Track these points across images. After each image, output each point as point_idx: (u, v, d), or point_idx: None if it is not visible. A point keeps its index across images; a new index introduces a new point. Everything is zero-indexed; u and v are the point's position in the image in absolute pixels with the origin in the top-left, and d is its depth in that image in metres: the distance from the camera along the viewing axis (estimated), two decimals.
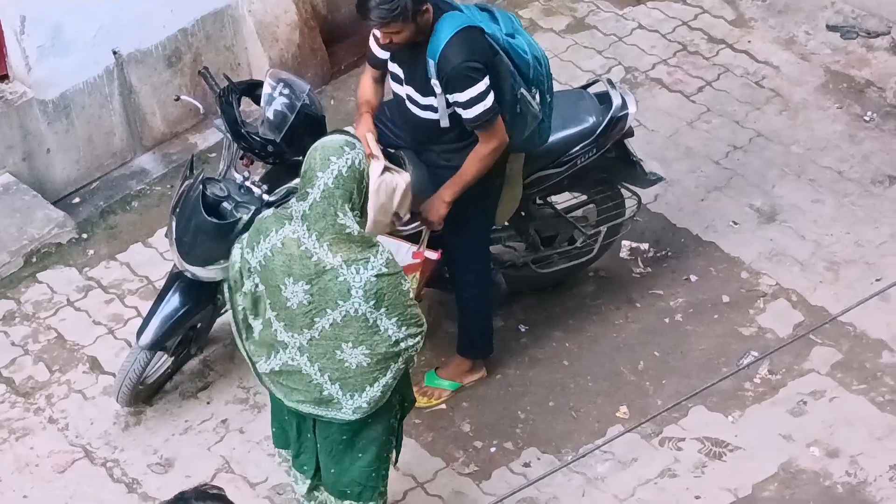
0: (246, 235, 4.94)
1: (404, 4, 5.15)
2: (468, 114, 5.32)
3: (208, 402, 6.17)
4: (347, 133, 4.79)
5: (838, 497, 5.69)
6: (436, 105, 5.40)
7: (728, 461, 5.83)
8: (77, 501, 5.86)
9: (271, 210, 4.92)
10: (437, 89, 5.33)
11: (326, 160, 4.58)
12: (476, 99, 5.28)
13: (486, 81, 5.27)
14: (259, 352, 4.93)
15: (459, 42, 5.24)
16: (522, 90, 5.49)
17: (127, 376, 5.92)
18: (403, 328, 4.75)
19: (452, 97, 5.31)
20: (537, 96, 5.57)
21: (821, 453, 5.84)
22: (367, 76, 5.66)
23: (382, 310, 4.69)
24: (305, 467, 5.12)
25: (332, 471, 5.06)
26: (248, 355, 5.00)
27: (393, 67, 5.51)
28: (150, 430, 6.09)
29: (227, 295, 5.05)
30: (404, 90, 5.48)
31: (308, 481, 5.16)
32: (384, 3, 5.15)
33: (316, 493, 5.25)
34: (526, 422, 6.03)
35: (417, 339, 4.81)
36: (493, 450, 5.93)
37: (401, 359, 4.82)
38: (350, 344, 4.73)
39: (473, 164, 5.47)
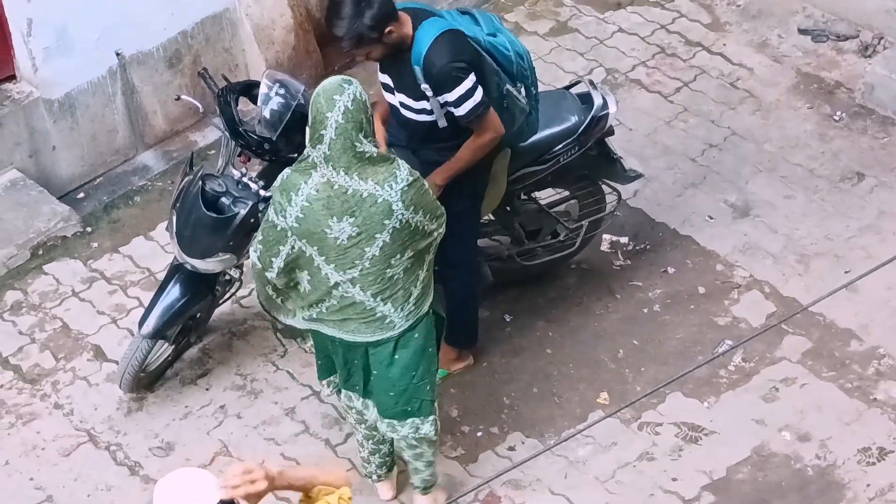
0: (257, 234, 5.12)
1: (360, 33, 5.26)
2: (460, 111, 5.40)
3: (207, 389, 6.23)
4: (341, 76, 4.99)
5: (808, 479, 5.75)
6: (429, 108, 5.46)
7: (703, 445, 5.88)
8: (81, 483, 5.91)
9: (287, 170, 5.03)
10: (429, 92, 5.40)
11: (331, 100, 4.82)
12: (465, 96, 5.36)
13: (472, 78, 5.35)
14: (308, 300, 5.14)
15: (441, 45, 5.32)
16: (508, 86, 5.56)
17: (129, 364, 5.98)
18: (434, 221, 5.06)
19: (443, 98, 5.39)
20: (522, 90, 5.63)
21: (792, 437, 5.90)
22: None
23: (419, 212, 4.98)
24: (357, 386, 5.36)
25: (391, 394, 5.27)
26: (293, 311, 5.22)
27: (383, 78, 5.58)
28: (152, 415, 6.14)
29: (256, 284, 5.23)
30: (396, 98, 5.55)
31: (361, 397, 5.40)
32: (344, 34, 5.28)
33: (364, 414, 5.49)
34: (511, 407, 6.10)
35: (442, 224, 5.13)
36: (479, 434, 6.00)
37: (432, 248, 5.13)
38: (398, 255, 5.00)
39: (469, 152, 5.54)
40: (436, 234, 5.13)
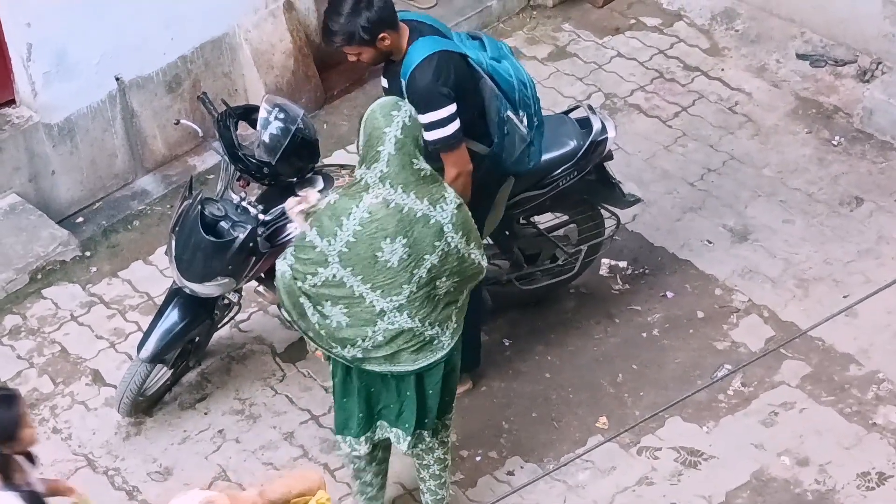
0: (290, 249, 5.07)
1: (353, 31, 5.31)
2: (428, 136, 5.33)
3: (206, 413, 6.23)
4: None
5: None
6: None
7: (703, 469, 5.88)
8: None
9: (334, 195, 4.99)
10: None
11: (389, 116, 4.83)
12: (436, 123, 5.35)
13: (449, 108, 5.34)
14: (346, 336, 5.04)
15: (427, 66, 5.33)
16: (509, 112, 5.56)
17: (128, 388, 5.97)
18: (479, 250, 5.05)
19: (420, 117, 5.36)
20: (524, 119, 5.63)
21: (791, 462, 5.90)
22: None
23: (464, 238, 4.97)
24: (407, 424, 5.25)
25: (434, 412, 5.24)
26: (324, 347, 5.13)
27: (383, 81, 5.61)
28: (150, 439, 6.14)
29: (284, 302, 5.12)
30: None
31: (409, 437, 5.27)
32: (338, 29, 5.34)
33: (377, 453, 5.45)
34: (510, 432, 6.09)
35: (484, 255, 5.11)
36: (478, 458, 6.00)
37: (477, 278, 5.11)
38: (443, 279, 4.98)
39: None
40: (478, 264, 5.09)
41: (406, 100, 5.33)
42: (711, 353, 6.35)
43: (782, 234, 6.85)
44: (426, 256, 4.93)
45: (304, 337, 5.25)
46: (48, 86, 6.83)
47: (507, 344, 6.47)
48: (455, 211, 4.95)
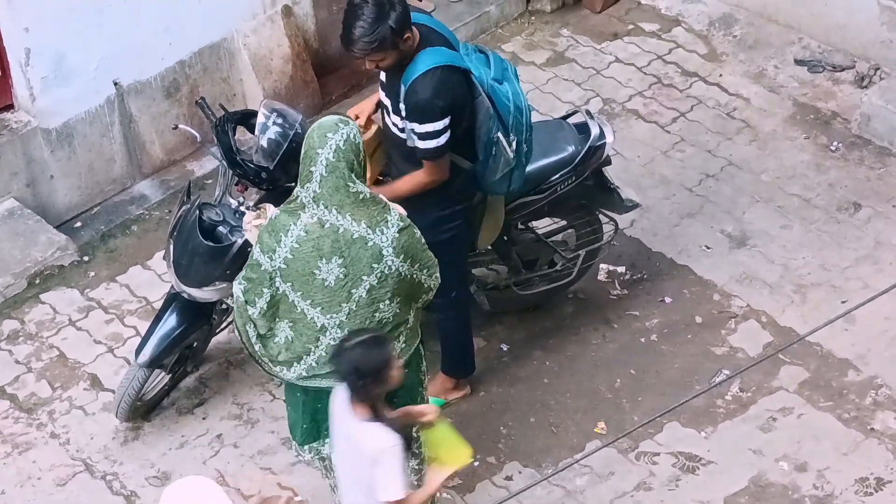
0: (242, 272, 5.09)
1: (384, 36, 5.27)
2: (420, 144, 5.42)
3: (204, 418, 6.23)
4: (339, 115, 5.00)
5: None
6: (400, 125, 5.52)
7: (701, 475, 5.89)
8: None
9: (275, 211, 5.02)
10: (402, 113, 5.45)
11: (324, 137, 4.82)
12: (430, 135, 5.39)
13: (444, 122, 5.37)
14: (294, 352, 5.06)
15: (430, 78, 5.33)
16: (499, 134, 5.56)
17: (126, 393, 5.99)
18: (426, 272, 5.03)
19: (411, 125, 5.42)
20: (514, 144, 5.62)
21: (789, 467, 5.91)
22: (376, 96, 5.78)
23: (408, 261, 4.94)
24: None
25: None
26: (271, 362, 5.13)
27: (382, 76, 5.61)
28: (148, 444, 6.14)
29: (237, 323, 5.16)
30: (386, 99, 5.60)
31: None
32: (365, 35, 5.28)
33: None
34: (508, 437, 6.09)
35: (434, 277, 5.07)
36: (476, 464, 5.97)
37: (422, 299, 5.10)
38: (387, 301, 4.96)
39: (407, 183, 5.56)
40: (427, 286, 5.09)
41: (402, 104, 5.37)
42: (709, 359, 6.36)
43: (780, 239, 6.86)
44: (364, 277, 4.93)
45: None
46: (46, 91, 6.84)
47: (504, 349, 6.47)
48: (396, 235, 4.93)
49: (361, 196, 4.90)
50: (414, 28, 5.40)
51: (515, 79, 5.68)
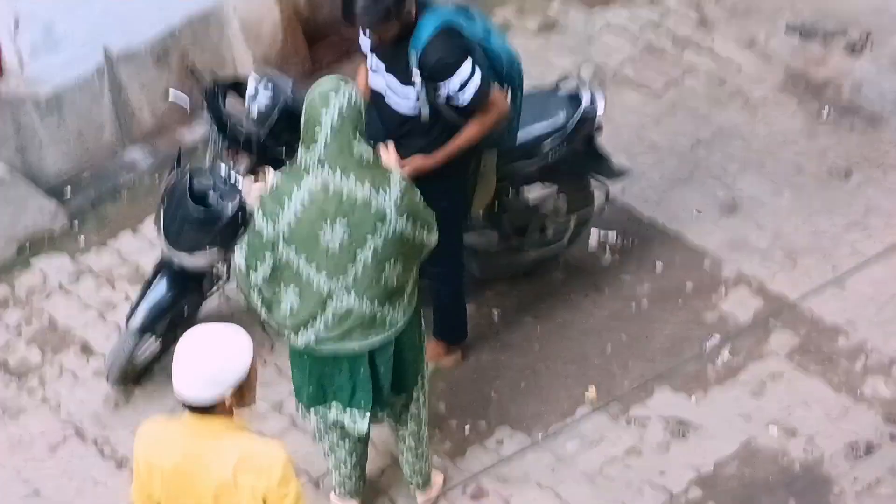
0: (242, 239, 5.09)
1: (387, 7, 5.25)
2: (464, 97, 5.40)
3: None
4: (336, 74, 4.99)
5: (796, 474, 5.78)
6: (413, 96, 5.47)
7: (691, 440, 5.90)
8: (68, 478, 5.93)
9: (278, 175, 5.01)
10: (417, 79, 5.40)
11: (326, 97, 4.79)
12: (466, 81, 5.38)
13: (468, 63, 5.36)
14: (299, 318, 5.06)
15: (441, 38, 5.34)
16: (495, 86, 5.56)
17: (117, 358, 6.01)
18: (426, 230, 5.04)
19: (444, 86, 5.39)
20: (508, 94, 5.64)
21: (779, 432, 5.92)
22: (362, 71, 5.75)
23: (410, 221, 4.95)
24: (363, 402, 5.23)
25: (395, 383, 5.24)
26: (279, 328, 5.15)
27: (372, 59, 5.58)
28: (139, 409, 6.12)
29: (242, 289, 5.17)
30: (384, 80, 5.54)
31: (367, 414, 5.26)
32: (369, 9, 5.26)
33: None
34: (498, 402, 6.10)
35: (434, 234, 5.09)
36: (466, 428, 6.01)
37: (423, 254, 5.11)
38: (391, 262, 4.97)
39: (474, 129, 5.53)
40: (426, 244, 5.11)
41: (416, 69, 5.35)
42: (700, 325, 6.36)
43: (771, 205, 6.86)
44: (368, 237, 4.92)
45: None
46: (35, 58, 6.84)
47: (495, 315, 6.48)
48: (399, 194, 4.94)
49: (365, 157, 4.89)
50: None
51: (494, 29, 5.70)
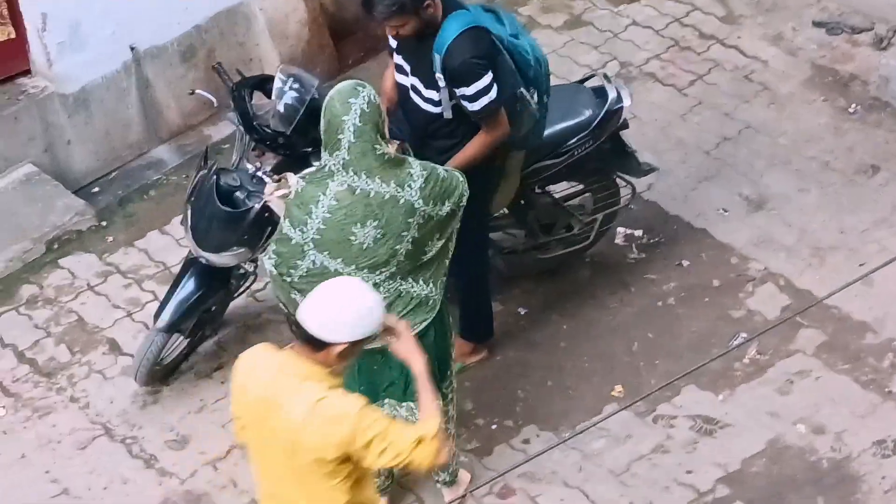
0: (271, 246, 5.09)
1: (399, 4, 5.26)
2: (474, 106, 5.42)
3: (222, 382, 6.21)
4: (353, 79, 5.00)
5: (823, 472, 5.77)
6: (437, 98, 5.48)
7: (718, 438, 5.89)
8: (97, 476, 5.95)
9: (302, 181, 5.03)
10: (441, 83, 5.42)
11: (347, 103, 4.81)
12: (481, 92, 5.39)
13: (489, 76, 5.37)
14: None
15: (465, 40, 5.33)
16: (522, 89, 5.57)
17: (145, 357, 6.01)
18: (452, 202, 5.04)
19: (459, 91, 5.41)
20: (535, 96, 5.64)
21: (807, 430, 5.91)
22: (389, 69, 5.77)
23: (440, 203, 4.97)
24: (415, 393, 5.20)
25: (436, 375, 5.17)
26: None
27: (398, 59, 5.59)
28: (167, 408, 6.17)
29: (280, 298, 5.17)
30: (409, 80, 5.56)
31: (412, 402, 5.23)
32: (385, 2, 5.26)
33: None
34: (525, 401, 6.11)
35: (462, 193, 5.08)
36: (493, 427, 6.02)
37: (457, 219, 5.12)
38: (430, 242, 5.01)
39: (475, 147, 5.54)
40: (459, 212, 5.11)
41: (440, 73, 5.36)
42: (727, 322, 6.36)
43: (798, 202, 6.85)
44: (404, 234, 4.95)
45: None
46: (63, 56, 6.84)
47: (522, 313, 6.48)
48: (423, 185, 4.95)
49: (387, 157, 4.91)
50: None
51: (526, 32, 5.69)
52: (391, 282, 5.05)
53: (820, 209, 6.81)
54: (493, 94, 5.42)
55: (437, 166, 5.11)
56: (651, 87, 7.48)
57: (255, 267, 6.10)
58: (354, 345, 4.30)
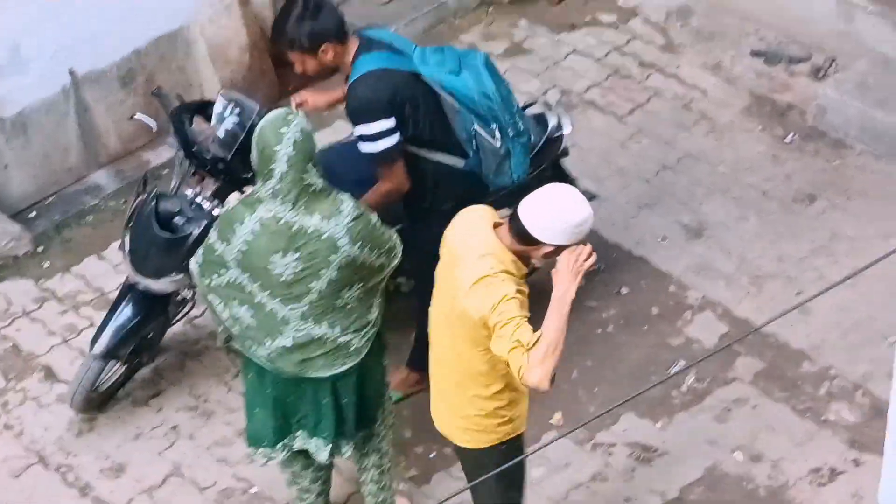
0: (201, 248, 5.11)
1: (294, 39, 5.40)
2: (365, 148, 5.44)
3: (159, 410, 6.21)
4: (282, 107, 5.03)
5: (761, 499, 5.79)
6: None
7: (656, 465, 5.91)
8: None
9: (235, 199, 5.06)
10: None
11: (278, 133, 4.78)
12: (366, 137, 5.42)
13: (381, 124, 5.38)
14: (256, 337, 5.03)
15: (364, 82, 5.38)
16: (476, 126, 5.56)
17: (81, 384, 5.97)
18: (384, 255, 5.00)
19: (359, 130, 5.45)
20: (497, 132, 5.61)
21: (744, 458, 5.93)
22: None
23: (367, 248, 4.92)
24: (326, 433, 5.20)
25: (351, 421, 5.20)
26: (241, 346, 5.12)
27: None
28: (103, 436, 6.12)
29: (203, 300, 5.18)
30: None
31: (329, 446, 5.22)
32: (283, 35, 5.42)
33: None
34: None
35: (396, 257, 5.09)
36: (432, 455, 5.99)
37: (386, 278, 5.10)
38: (347, 288, 4.94)
39: (371, 195, 5.54)
40: (386, 269, 5.08)
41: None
42: (666, 350, 6.38)
43: (736, 230, 6.88)
44: (322, 271, 4.90)
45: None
46: (1, 79, 6.79)
47: None
48: (351, 223, 4.90)
49: (314, 188, 4.88)
50: (353, 41, 5.44)
51: (485, 66, 5.62)
52: (302, 321, 4.98)
53: (758, 237, 6.84)
54: (377, 145, 5.42)
55: (374, 215, 5.06)
56: (591, 114, 7.50)
57: (194, 293, 6.09)
58: (559, 249, 4.61)
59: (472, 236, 4.75)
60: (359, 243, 4.93)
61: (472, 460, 5.05)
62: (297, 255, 4.87)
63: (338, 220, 4.88)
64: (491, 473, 4.81)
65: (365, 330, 5.10)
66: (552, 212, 4.65)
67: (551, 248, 4.68)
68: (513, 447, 5.01)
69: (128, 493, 5.96)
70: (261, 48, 7.56)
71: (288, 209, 4.85)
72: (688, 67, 7.74)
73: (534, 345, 4.58)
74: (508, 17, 8.11)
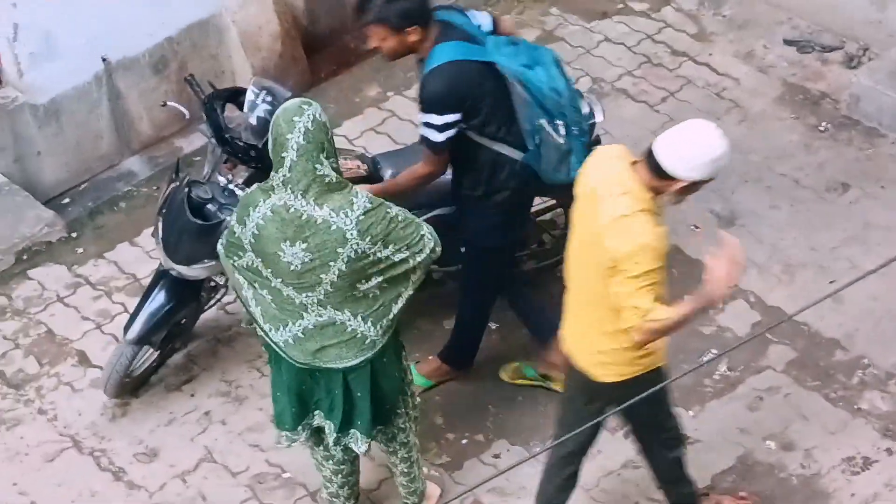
0: (226, 231, 5.08)
1: (384, 17, 5.31)
2: (423, 131, 5.44)
3: (192, 395, 6.24)
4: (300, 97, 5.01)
5: (793, 488, 5.79)
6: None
7: (688, 453, 5.75)
8: (65, 489, 5.93)
9: (255, 185, 5.03)
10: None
11: (291, 122, 4.76)
12: (429, 125, 5.40)
13: (447, 117, 5.36)
14: (276, 320, 5.04)
15: (439, 73, 5.34)
16: (542, 121, 5.51)
17: (114, 369, 5.99)
18: (405, 250, 4.95)
19: (421, 115, 5.44)
20: (561, 128, 5.58)
21: (776, 447, 5.94)
22: None
23: (379, 243, 4.88)
24: (336, 421, 5.22)
25: (366, 415, 5.18)
26: (261, 329, 5.11)
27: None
28: (136, 421, 6.15)
29: (231, 280, 5.17)
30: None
31: (335, 433, 5.24)
32: (374, 8, 5.33)
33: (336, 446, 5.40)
34: (496, 415, 6.10)
35: (424, 251, 5.00)
36: (464, 442, 6.02)
37: (417, 272, 5.04)
38: (363, 280, 4.92)
39: (405, 176, 5.59)
40: (412, 262, 5.02)
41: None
42: (698, 338, 6.36)
43: (768, 219, 6.87)
44: (331, 263, 4.87)
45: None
46: (34, 66, 6.81)
47: (493, 328, 6.45)
48: (361, 217, 4.86)
49: (328, 180, 4.83)
50: (435, 25, 5.40)
51: (554, 64, 5.60)
52: (320, 308, 4.98)
53: (791, 226, 6.83)
54: (437, 136, 5.40)
55: (400, 210, 5.00)
56: (623, 103, 7.49)
57: (226, 280, 6.10)
58: (694, 185, 4.65)
59: (610, 174, 4.78)
60: (369, 237, 4.88)
61: (610, 392, 5.04)
62: (305, 245, 4.85)
63: (348, 212, 4.84)
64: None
65: (384, 322, 5.07)
66: (689, 146, 4.66)
67: (686, 184, 4.69)
68: (655, 380, 4.99)
69: (161, 478, 5.99)
70: (292, 36, 7.56)
71: (298, 198, 4.83)
72: (720, 56, 7.74)
73: (652, 317, 4.63)
74: (540, 5, 8.11)
